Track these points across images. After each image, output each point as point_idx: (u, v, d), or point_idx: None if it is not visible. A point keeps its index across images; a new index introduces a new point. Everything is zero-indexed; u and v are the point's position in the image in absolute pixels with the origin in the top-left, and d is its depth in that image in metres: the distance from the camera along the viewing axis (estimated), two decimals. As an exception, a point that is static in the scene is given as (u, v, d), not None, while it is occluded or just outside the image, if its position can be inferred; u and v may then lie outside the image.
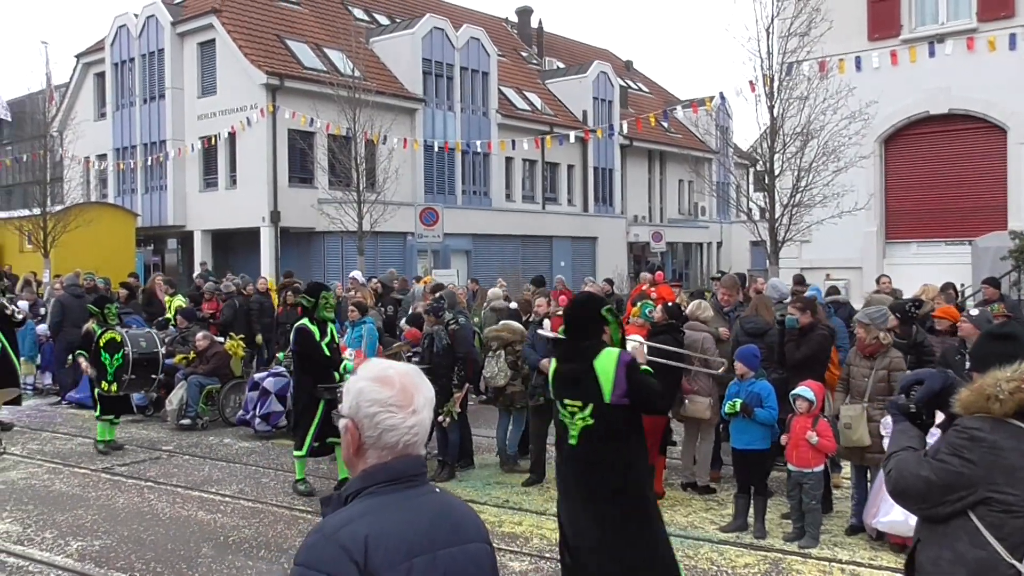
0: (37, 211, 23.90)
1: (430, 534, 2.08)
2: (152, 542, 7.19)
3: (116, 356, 10.38)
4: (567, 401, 4.90)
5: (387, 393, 2.12)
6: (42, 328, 14.75)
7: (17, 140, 36.98)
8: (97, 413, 10.64)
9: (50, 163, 25.91)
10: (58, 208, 24.55)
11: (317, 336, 8.44)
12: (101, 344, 10.46)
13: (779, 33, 17.98)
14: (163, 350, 11.18)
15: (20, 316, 11.33)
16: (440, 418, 9.01)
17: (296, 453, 8.61)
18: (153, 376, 10.99)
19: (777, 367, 8.03)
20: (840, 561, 6.63)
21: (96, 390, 10.63)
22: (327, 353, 8.52)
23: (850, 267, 20.79)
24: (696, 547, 7.00)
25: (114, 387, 10.45)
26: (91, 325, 10.95)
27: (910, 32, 20.58)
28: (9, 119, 30.35)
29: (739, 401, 7.13)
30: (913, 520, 3.29)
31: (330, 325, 8.71)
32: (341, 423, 2.20)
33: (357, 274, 15.68)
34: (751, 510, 7.33)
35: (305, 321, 8.50)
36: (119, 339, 10.47)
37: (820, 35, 17.45)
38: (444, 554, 2.09)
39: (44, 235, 23.47)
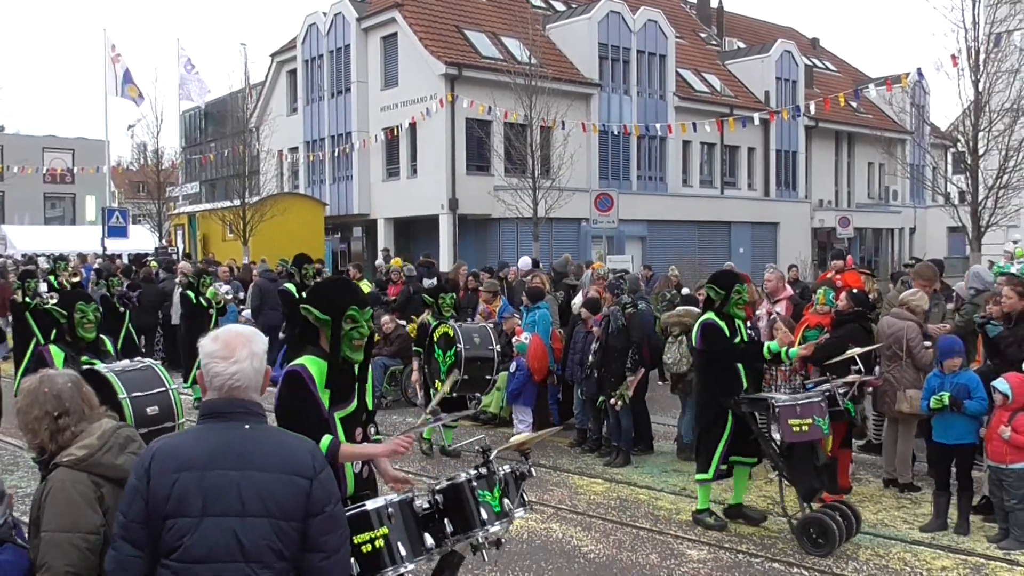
0: (237, 202, 25.69)
1: (210, 456, 2.57)
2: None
3: (449, 353, 9.14)
4: None
5: (213, 347, 2.73)
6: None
7: (219, 137, 39.80)
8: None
9: (248, 157, 27.69)
10: (255, 199, 26.26)
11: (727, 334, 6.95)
12: (435, 338, 9.34)
13: (986, 1, 16.71)
14: (499, 347, 9.50)
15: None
16: (612, 401, 8.94)
17: (698, 476, 7.14)
18: (488, 377, 9.37)
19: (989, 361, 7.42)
20: (1054, 571, 6.08)
21: (431, 389, 9.44)
22: (737, 356, 6.97)
23: (1064, 253, 19.03)
24: (887, 546, 6.62)
25: (446, 387, 9.23)
26: (427, 317, 9.99)
27: None
28: (203, 107, 32.04)
29: (947, 395, 6.72)
30: None
31: (739, 322, 7.01)
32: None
33: (525, 261, 15.77)
34: (951, 509, 6.88)
35: (711, 315, 7.01)
36: (451, 334, 9.16)
37: (1034, 0, 16.10)
38: (215, 474, 2.54)
39: (243, 224, 25.12)
